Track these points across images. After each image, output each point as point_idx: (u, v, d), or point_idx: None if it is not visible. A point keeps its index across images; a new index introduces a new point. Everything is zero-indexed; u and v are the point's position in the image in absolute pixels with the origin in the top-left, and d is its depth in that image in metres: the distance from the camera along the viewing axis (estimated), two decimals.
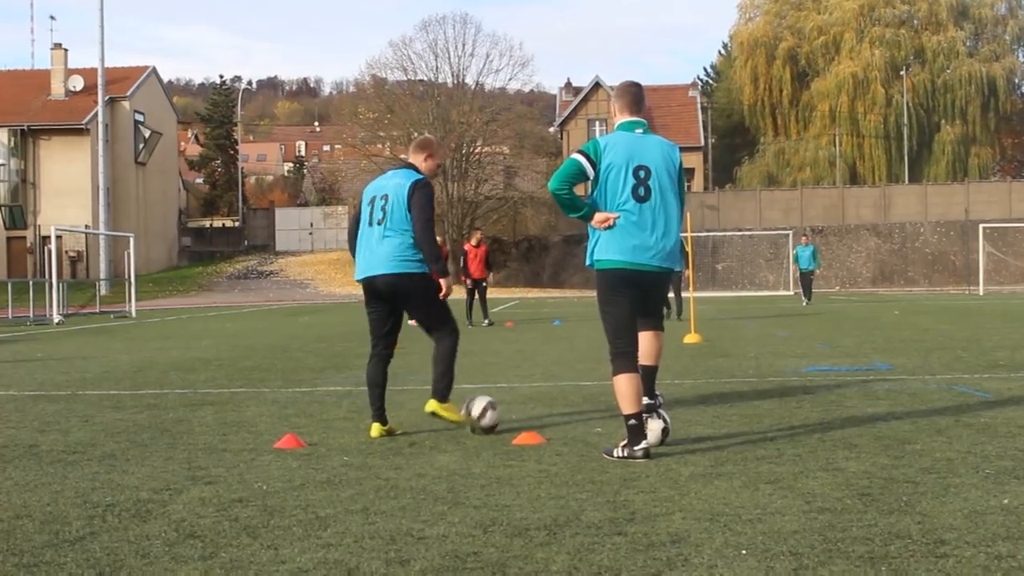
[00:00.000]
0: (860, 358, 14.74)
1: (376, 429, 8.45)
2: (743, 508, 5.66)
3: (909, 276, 62.45)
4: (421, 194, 8.51)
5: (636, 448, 7.13)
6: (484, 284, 26.19)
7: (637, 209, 7.35)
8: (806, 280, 36.62)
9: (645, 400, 7.53)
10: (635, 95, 7.74)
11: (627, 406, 7.25)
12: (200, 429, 8.95)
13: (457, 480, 6.56)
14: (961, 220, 61.46)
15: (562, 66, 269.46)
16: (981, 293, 47.84)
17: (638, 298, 7.51)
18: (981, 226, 54.11)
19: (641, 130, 7.60)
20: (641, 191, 7.37)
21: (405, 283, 8.54)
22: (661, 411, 7.73)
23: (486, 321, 25.34)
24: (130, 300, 37.46)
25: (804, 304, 35.50)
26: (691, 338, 18.49)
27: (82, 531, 5.44)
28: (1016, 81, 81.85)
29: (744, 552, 4.82)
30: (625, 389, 7.29)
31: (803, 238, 38.71)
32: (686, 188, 7.58)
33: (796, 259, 37.15)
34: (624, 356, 7.39)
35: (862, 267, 62.90)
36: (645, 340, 7.71)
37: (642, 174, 7.39)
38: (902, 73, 75.38)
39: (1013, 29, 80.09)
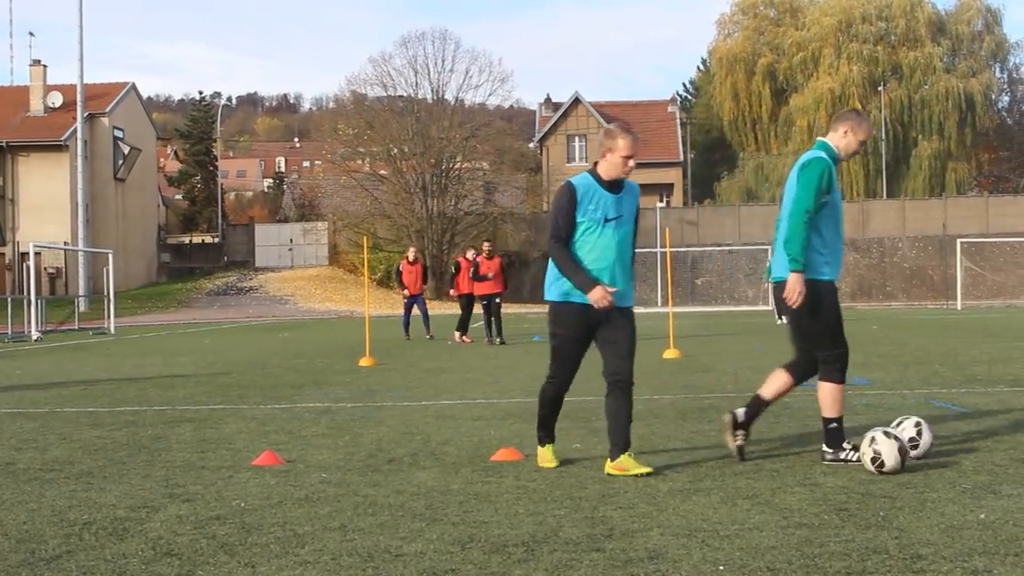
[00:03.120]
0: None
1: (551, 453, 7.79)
2: (721, 524, 5.68)
3: (887, 291, 62.67)
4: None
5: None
6: (498, 299, 24.68)
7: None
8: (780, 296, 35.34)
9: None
10: None
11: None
12: (178, 446, 8.92)
13: (435, 497, 6.55)
14: (939, 235, 61.72)
15: (542, 82, 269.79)
16: (959, 308, 48.01)
17: None
18: (959, 241, 54.30)
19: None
20: None
21: None
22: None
23: (498, 339, 24.09)
24: (109, 317, 37.30)
25: (779, 323, 34.16)
26: (670, 353, 18.51)
27: (58, 550, 5.42)
28: (993, 97, 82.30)
29: (722, 568, 4.83)
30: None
31: None
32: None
33: (770, 274, 36.38)
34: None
35: (840, 282, 62.46)
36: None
37: None
38: (880, 89, 75.69)
39: (989, 45, 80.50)
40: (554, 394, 7.89)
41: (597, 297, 7.28)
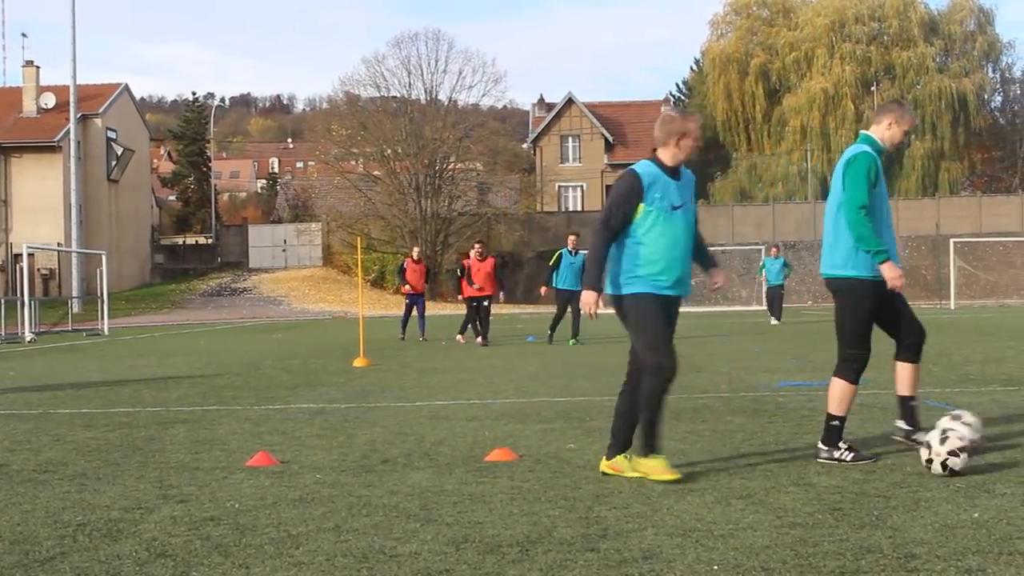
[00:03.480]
0: (832, 373, 14.75)
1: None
2: (715, 523, 5.68)
3: None
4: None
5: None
6: (487, 302, 24.48)
7: None
8: (774, 295, 34.03)
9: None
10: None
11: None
12: (172, 447, 8.91)
13: (429, 497, 6.55)
14: (932, 235, 61.80)
15: (535, 82, 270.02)
16: (952, 307, 48.09)
17: None
18: (952, 241, 54.39)
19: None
20: None
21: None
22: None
23: (479, 340, 24.00)
24: (103, 318, 37.25)
25: (772, 323, 32.59)
26: None
27: (52, 551, 5.41)
28: (986, 96, 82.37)
29: (716, 568, 4.84)
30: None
31: (772, 250, 36.67)
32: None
33: (763, 271, 35.64)
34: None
35: None
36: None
37: None
38: (873, 89, 75.76)
39: (982, 45, 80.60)
40: (668, 386, 7.05)
41: (588, 302, 7.15)
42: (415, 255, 27.45)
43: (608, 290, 7.23)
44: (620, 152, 78.46)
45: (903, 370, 7.90)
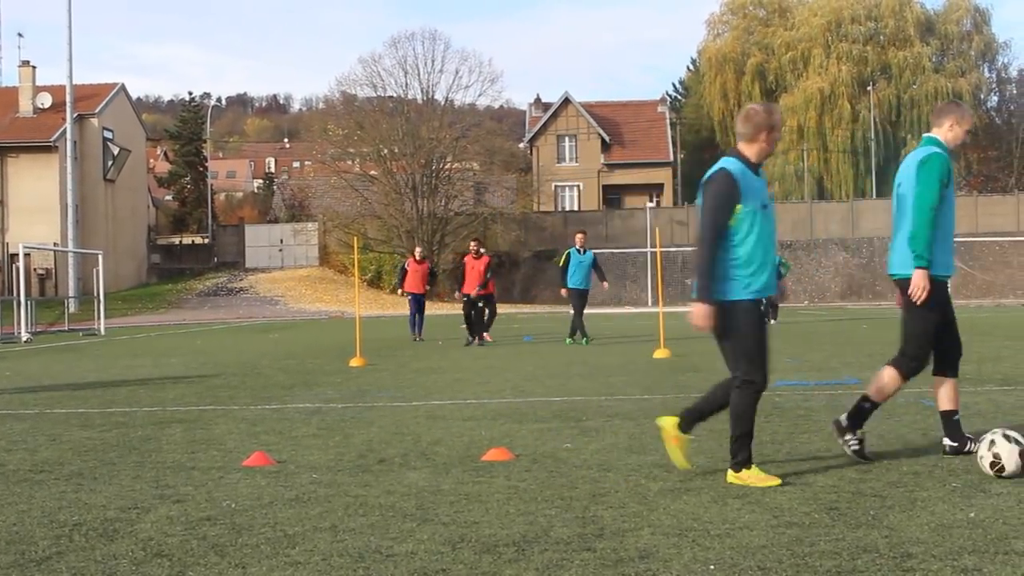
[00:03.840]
0: (828, 372, 14.80)
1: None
2: (711, 523, 5.68)
3: (877, 290, 62.72)
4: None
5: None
6: (480, 302, 24.35)
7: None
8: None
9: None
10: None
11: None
12: (169, 447, 8.91)
13: (426, 497, 6.55)
14: None
15: (531, 82, 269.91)
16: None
17: None
18: None
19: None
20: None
21: None
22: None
23: (475, 340, 23.99)
24: (99, 318, 37.22)
25: (768, 323, 32.66)
26: (660, 353, 18.51)
27: (48, 551, 5.41)
28: (982, 96, 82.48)
29: (712, 567, 4.84)
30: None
31: None
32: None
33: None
34: None
35: (830, 281, 63.17)
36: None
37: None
38: (869, 89, 75.87)
39: (978, 45, 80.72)
40: (758, 399, 6.92)
41: (701, 315, 6.79)
42: (417, 255, 27.23)
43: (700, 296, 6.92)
44: (616, 152, 78.51)
45: (946, 385, 7.77)
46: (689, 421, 7.15)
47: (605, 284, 24.01)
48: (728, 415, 6.92)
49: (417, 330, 26.39)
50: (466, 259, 24.52)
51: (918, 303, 7.48)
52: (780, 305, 34.18)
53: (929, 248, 7.39)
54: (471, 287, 24.01)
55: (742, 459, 6.78)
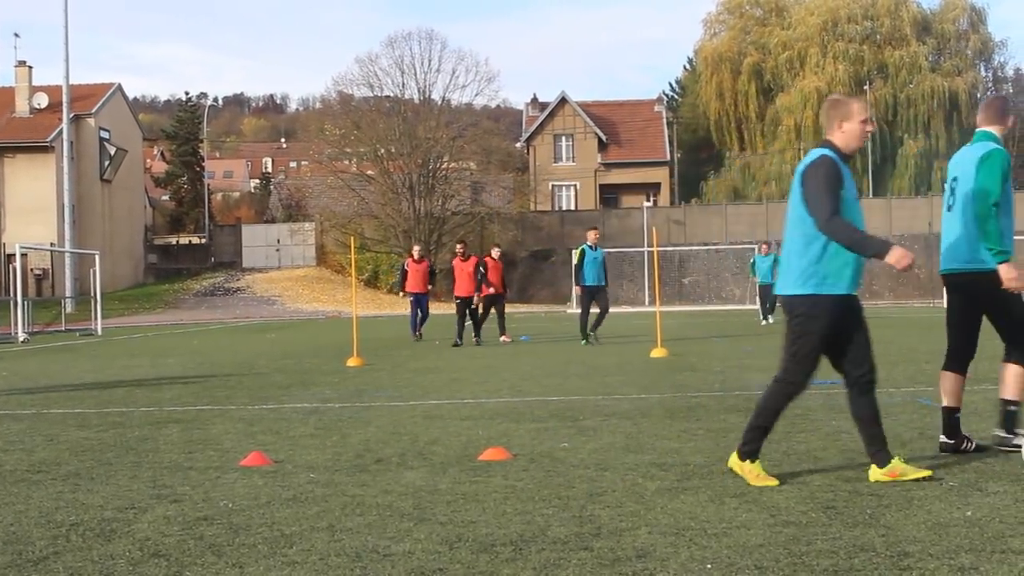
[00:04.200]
0: (825, 371, 14.77)
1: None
2: (708, 522, 5.68)
3: (874, 289, 62.76)
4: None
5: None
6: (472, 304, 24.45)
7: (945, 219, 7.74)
8: (766, 294, 32.41)
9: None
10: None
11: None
12: (166, 447, 8.90)
13: (423, 496, 6.55)
14: (925, 233, 61.86)
15: (528, 82, 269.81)
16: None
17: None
18: None
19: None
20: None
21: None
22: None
23: (476, 339, 24.01)
24: (96, 318, 37.20)
25: (763, 323, 31.56)
26: (657, 352, 18.52)
27: (46, 551, 5.41)
28: (978, 95, 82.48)
29: (709, 566, 4.84)
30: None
31: (763, 247, 34.92)
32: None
33: (753, 270, 34.24)
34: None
35: None
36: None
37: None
38: (865, 88, 75.89)
39: (975, 44, 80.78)
40: (788, 401, 6.90)
41: (899, 255, 6.58)
42: (415, 254, 27.12)
43: (785, 289, 6.86)
44: (613, 151, 78.52)
45: (1014, 373, 7.76)
46: (886, 451, 6.78)
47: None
48: (758, 409, 6.88)
49: (418, 327, 26.26)
50: (454, 263, 24.58)
51: (1016, 291, 7.44)
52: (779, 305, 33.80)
53: (1002, 240, 7.38)
54: (463, 290, 24.12)
55: (751, 450, 6.74)
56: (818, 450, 7.93)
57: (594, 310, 22.87)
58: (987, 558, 4.88)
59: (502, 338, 24.51)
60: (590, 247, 22.86)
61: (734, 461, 6.79)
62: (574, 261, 23.46)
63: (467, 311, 24.24)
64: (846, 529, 5.47)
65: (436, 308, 52.19)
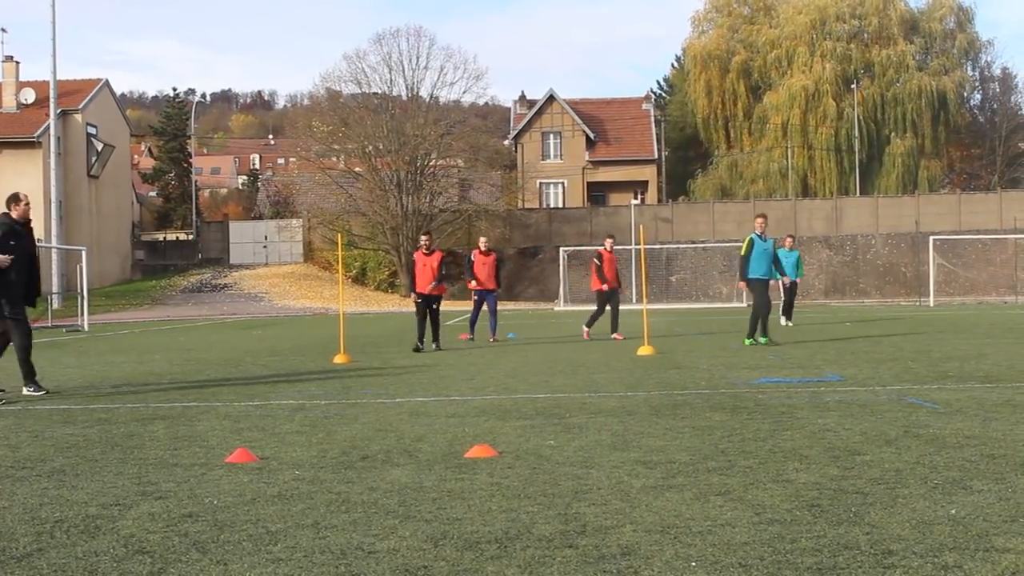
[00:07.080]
0: (811, 369, 14.83)
1: None
2: (693, 520, 5.69)
3: (861, 288, 62.90)
4: None
5: None
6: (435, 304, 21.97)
7: None
8: (789, 292, 30.91)
9: None
10: None
11: None
12: (151, 444, 8.89)
13: (408, 494, 6.55)
14: (912, 232, 61.98)
15: (516, 79, 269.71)
16: (932, 304, 48.23)
17: None
18: (931, 238, 54.60)
19: None
20: None
21: None
22: None
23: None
24: (82, 314, 37.13)
25: (783, 324, 29.86)
26: (644, 350, 18.54)
27: (29, 547, 5.40)
28: (965, 94, 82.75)
29: (694, 564, 4.85)
30: None
31: (787, 240, 32.29)
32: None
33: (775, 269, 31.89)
34: None
35: (814, 278, 63.24)
36: None
37: None
38: (853, 87, 76.05)
39: (962, 43, 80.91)
40: None
41: None
42: (482, 246, 24.56)
43: None
44: (601, 149, 78.56)
45: None
46: None
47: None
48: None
49: (490, 330, 23.76)
50: (416, 255, 22.02)
51: None
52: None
53: None
54: (423, 286, 21.41)
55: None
56: (804, 448, 7.94)
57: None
58: (971, 556, 4.89)
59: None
60: (759, 236, 20.73)
61: None
62: (741, 252, 20.85)
63: (427, 311, 21.45)
64: (830, 527, 5.48)
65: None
